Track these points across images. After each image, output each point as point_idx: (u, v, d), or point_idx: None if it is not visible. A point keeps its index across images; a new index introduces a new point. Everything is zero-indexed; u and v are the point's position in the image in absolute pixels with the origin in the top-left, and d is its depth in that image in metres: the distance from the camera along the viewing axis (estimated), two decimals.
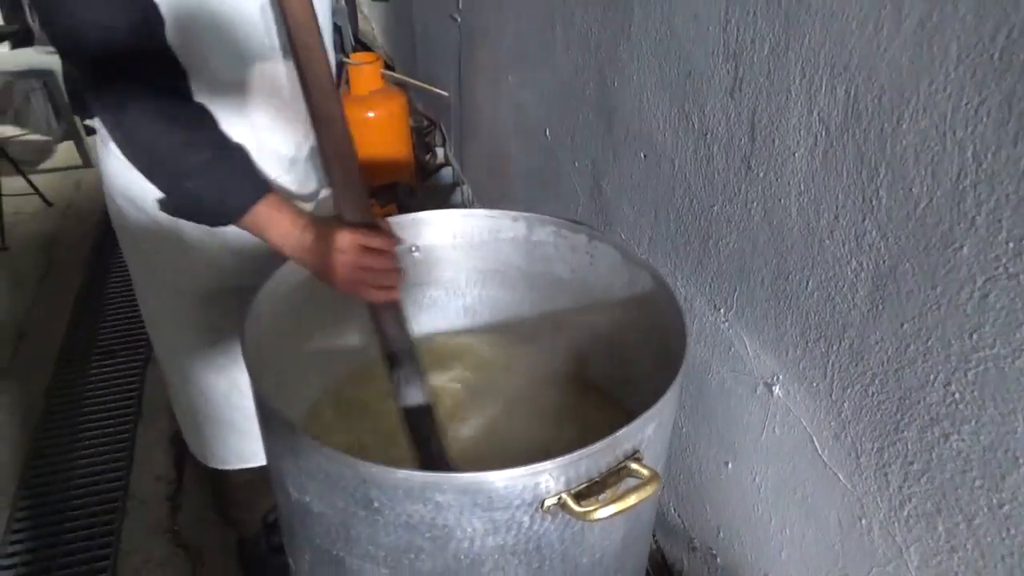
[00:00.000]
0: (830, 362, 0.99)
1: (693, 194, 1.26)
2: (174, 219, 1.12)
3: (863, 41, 0.84)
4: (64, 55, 0.99)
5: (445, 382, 1.24)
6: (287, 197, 1.04)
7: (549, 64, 1.86)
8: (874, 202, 0.85)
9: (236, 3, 1.00)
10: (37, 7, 0.97)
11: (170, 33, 0.97)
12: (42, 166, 3.54)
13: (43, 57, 3.43)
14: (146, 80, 0.96)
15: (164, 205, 1.06)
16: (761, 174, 1.06)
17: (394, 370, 1.01)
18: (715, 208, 1.20)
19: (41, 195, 3.16)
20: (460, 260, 1.27)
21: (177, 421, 1.49)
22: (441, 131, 3.33)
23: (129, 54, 0.93)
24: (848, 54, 0.86)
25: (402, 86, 3.17)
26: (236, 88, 1.07)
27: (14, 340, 2.38)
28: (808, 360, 1.03)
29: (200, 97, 1.03)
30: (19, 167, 3.08)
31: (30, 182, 3.13)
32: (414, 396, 1.01)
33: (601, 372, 1.23)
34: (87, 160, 3.52)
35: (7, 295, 2.60)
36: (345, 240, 0.93)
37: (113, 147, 1.11)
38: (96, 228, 3.00)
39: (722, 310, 1.23)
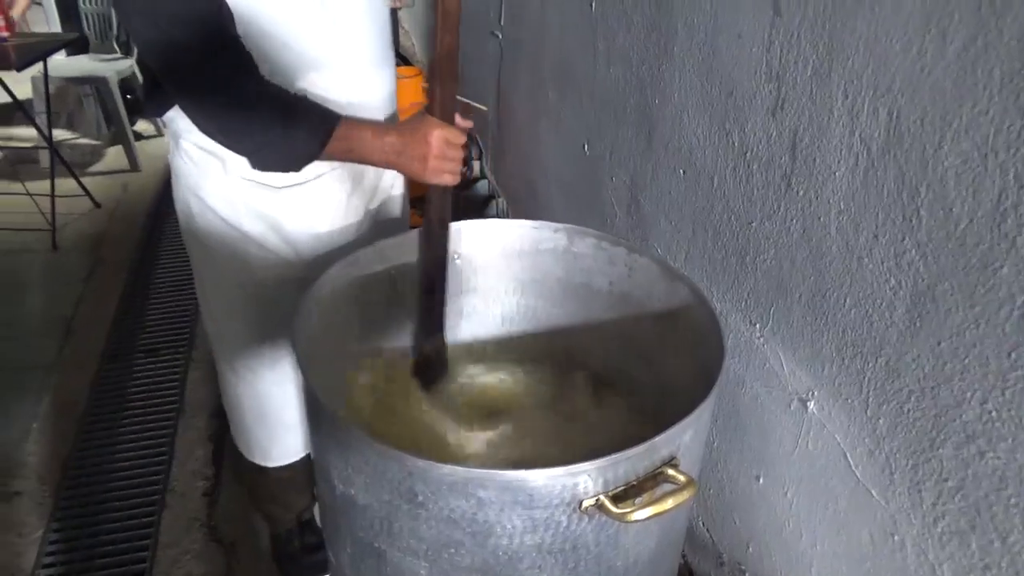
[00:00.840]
0: (866, 379, 1.00)
1: (732, 211, 1.28)
2: (235, 213, 1.18)
3: (906, 64, 0.85)
4: (142, 45, 1.06)
5: (483, 385, 1.27)
6: (357, 118, 1.14)
7: (590, 81, 1.90)
8: (914, 222, 0.87)
9: (290, 14, 1.07)
10: (118, 2, 1.03)
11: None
12: (92, 169, 3.66)
13: (96, 64, 3.56)
14: (218, 53, 1.03)
15: (255, 162, 1.13)
16: (801, 192, 1.08)
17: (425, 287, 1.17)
18: (753, 225, 1.22)
19: (91, 196, 3.27)
20: (501, 269, 1.30)
21: (217, 419, 1.53)
22: (478, 144, 3.38)
23: (204, 41, 1.01)
24: (891, 76, 0.88)
25: None
26: (296, 76, 1.12)
27: (62, 336, 2.47)
28: (844, 376, 1.04)
29: None
30: (71, 169, 3.19)
31: (81, 184, 3.24)
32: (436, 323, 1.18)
33: (637, 382, 1.25)
34: (134, 164, 3.63)
35: (56, 293, 2.69)
36: (438, 135, 1.08)
37: (184, 146, 1.17)
38: (142, 229, 3.10)
39: (758, 325, 1.24)
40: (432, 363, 1.24)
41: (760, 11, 1.13)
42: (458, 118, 1.14)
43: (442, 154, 1.09)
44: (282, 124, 1.06)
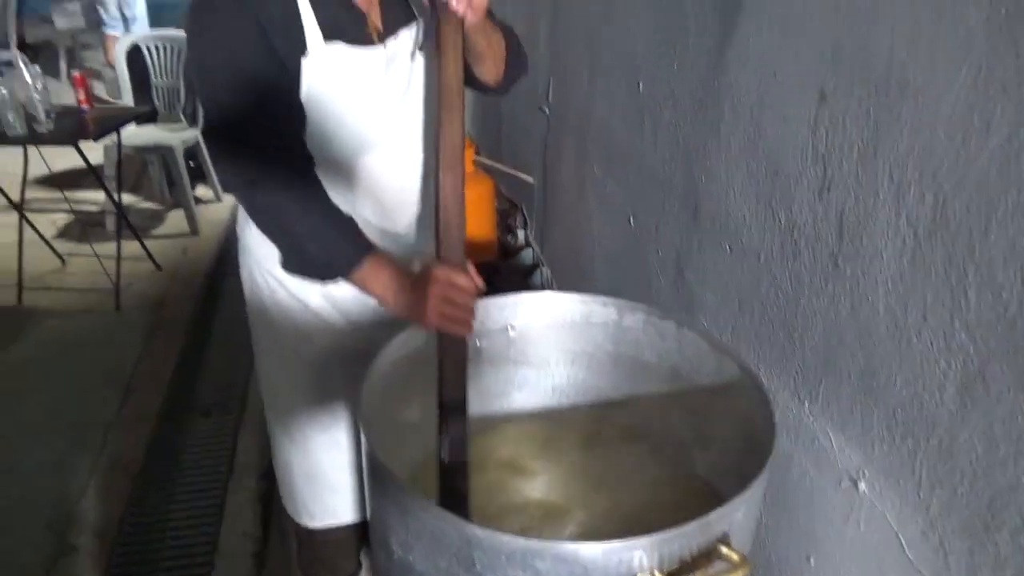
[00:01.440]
0: (918, 459, 1.00)
1: (779, 287, 1.30)
2: (301, 287, 1.25)
3: (951, 152, 0.89)
4: (214, 131, 1.15)
5: (532, 457, 1.29)
6: (389, 257, 1.17)
7: (636, 155, 1.96)
8: (963, 304, 0.88)
9: (357, 104, 1.16)
10: (201, 89, 1.14)
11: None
12: (154, 232, 3.83)
13: (164, 134, 3.77)
14: (278, 160, 1.12)
15: (285, 264, 1.21)
16: (848, 272, 1.10)
17: (444, 418, 1.10)
18: (801, 301, 1.24)
19: (153, 259, 3.42)
20: (552, 341, 1.34)
21: (266, 481, 1.58)
22: (523, 214, 3.47)
23: (270, 137, 1.10)
24: (936, 163, 0.91)
25: (489, 170, 3.33)
26: (349, 173, 1.21)
27: (121, 394, 2.56)
28: (895, 456, 1.04)
29: (320, 178, 1.17)
30: (136, 233, 3.35)
31: (144, 247, 3.39)
32: (456, 451, 1.10)
33: (687, 456, 1.26)
34: (194, 228, 3.79)
35: (117, 352, 2.80)
36: (440, 273, 1.06)
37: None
38: (200, 291, 3.22)
39: (807, 403, 1.25)
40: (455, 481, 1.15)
41: (806, 95, 1.18)
42: (471, 270, 1.10)
43: (445, 297, 1.05)
44: (313, 243, 1.12)
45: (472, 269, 1.11)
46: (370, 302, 1.31)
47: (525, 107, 3.09)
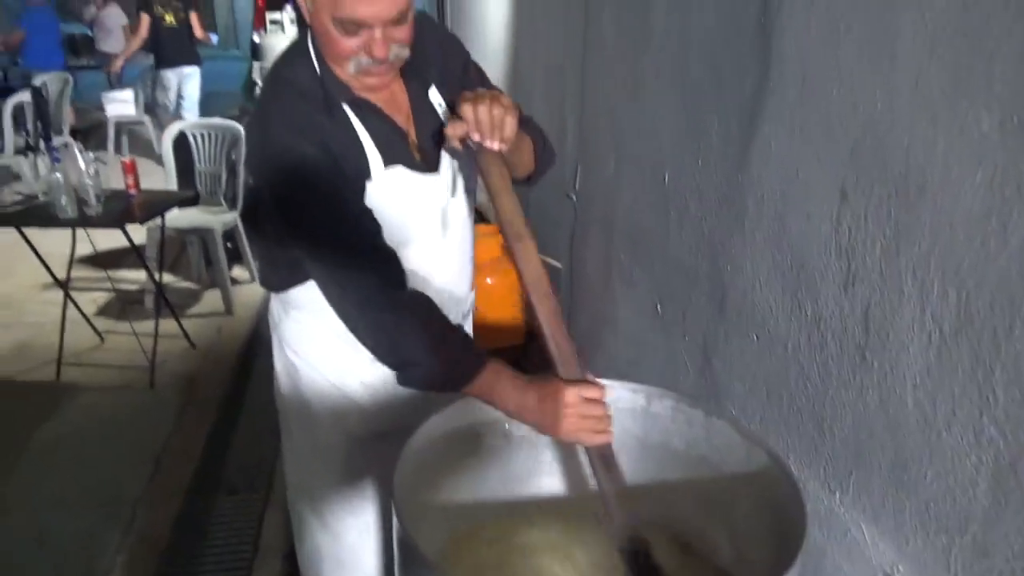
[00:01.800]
0: (952, 555, 0.99)
1: (807, 378, 1.32)
2: (339, 372, 1.29)
3: (971, 251, 0.92)
4: (314, 260, 1.19)
5: (559, 542, 1.29)
6: (503, 365, 1.17)
7: (662, 245, 2.01)
8: (991, 400, 0.90)
9: (414, 219, 1.23)
10: (291, 223, 1.18)
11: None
12: (190, 311, 3.93)
13: (205, 216, 3.91)
14: (376, 271, 1.14)
15: (401, 379, 1.19)
16: (876, 365, 1.12)
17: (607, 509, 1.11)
18: (830, 393, 1.25)
19: (188, 337, 3.50)
20: None
21: (289, 562, 1.58)
22: None
23: (362, 249, 1.15)
24: (958, 262, 0.94)
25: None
26: (421, 265, 1.26)
27: (151, 471, 2.58)
28: (930, 552, 1.03)
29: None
30: (174, 311, 3.45)
31: (181, 325, 3.48)
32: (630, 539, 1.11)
33: (715, 546, 1.25)
34: (229, 308, 3.88)
35: (149, 430, 2.84)
36: (570, 396, 1.06)
37: (296, 315, 1.30)
38: (231, 371, 3.28)
39: (838, 494, 1.24)
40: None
41: (828, 193, 1.22)
42: (589, 376, 1.12)
43: (580, 412, 1.07)
44: (434, 356, 1.12)
45: (591, 376, 1.12)
46: (405, 389, 1.35)
47: (552, 194, 3.18)
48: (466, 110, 1.10)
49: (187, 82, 6.56)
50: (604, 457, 1.11)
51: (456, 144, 1.16)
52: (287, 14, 5.13)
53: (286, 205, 1.16)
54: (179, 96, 6.59)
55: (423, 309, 1.16)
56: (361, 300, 1.14)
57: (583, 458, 1.13)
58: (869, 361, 1.14)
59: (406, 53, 1.16)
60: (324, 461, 1.40)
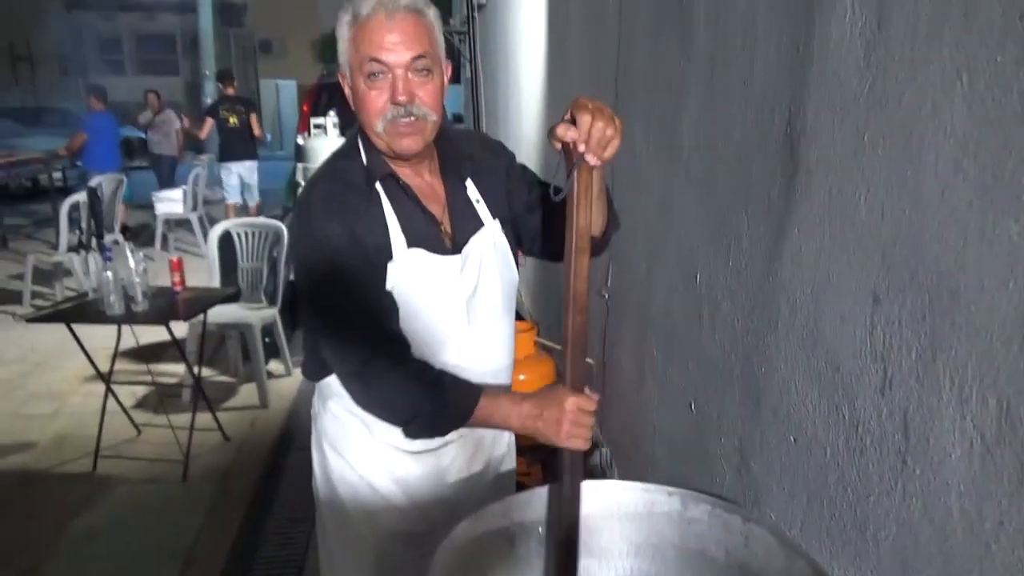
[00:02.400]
0: None
1: (847, 483, 1.29)
2: (369, 468, 1.31)
3: (1009, 359, 0.92)
4: (319, 325, 1.28)
5: None
6: (498, 388, 1.27)
7: (695, 344, 2.01)
8: None
9: (435, 302, 1.28)
10: (305, 287, 1.27)
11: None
12: (225, 404, 3.98)
13: (245, 312, 4.02)
14: (381, 343, 1.22)
15: (407, 433, 1.27)
16: (918, 471, 1.10)
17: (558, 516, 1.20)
18: (871, 499, 1.22)
19: (222, 431, 3.53)
20: (615, 531, 1.33)
21: None
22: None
23: (373, 326, 1.22)
24: (996, 369, 0.94)
25: (550, 352, 3.42)
26: (438, 352, 1.30)
27: (181, 565, 2.57)
28: None
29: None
30: (210, 405, 3.50)
31: (216, 419, 3.52)
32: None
33: None
34: (264, 401, 3.93)
35: (180, 523, 2.84)
36: (571, 402, 1.18)
37: (332, 408, 1.34)
38: (264, 465, 3.29)
39: None
40: None
41: (860, 297, 1.24)
42: (587, 389, 1.24)
43: (576, 420, 1.19)
44: (432, 401, 1.21)
45: (587, 389, 1.23)
46: (438, 487, 1.36)
47: None
48: (583, 118, 1.10)
49: (249, 174, 7.76)
50: (574, 462, 1.21)
51: (557, 146, 1.16)
52: (330, 119, 5.41)
53: (305, 278, 1.26)
54: (243, 184, 7.71)
55: (414, 364, 1.23)
56: (361, 367, 1.21)
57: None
58: (911, 467, 1.12)
59: (433, 116, 1.23)
60: (356, 559, 1.39)
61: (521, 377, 2.93)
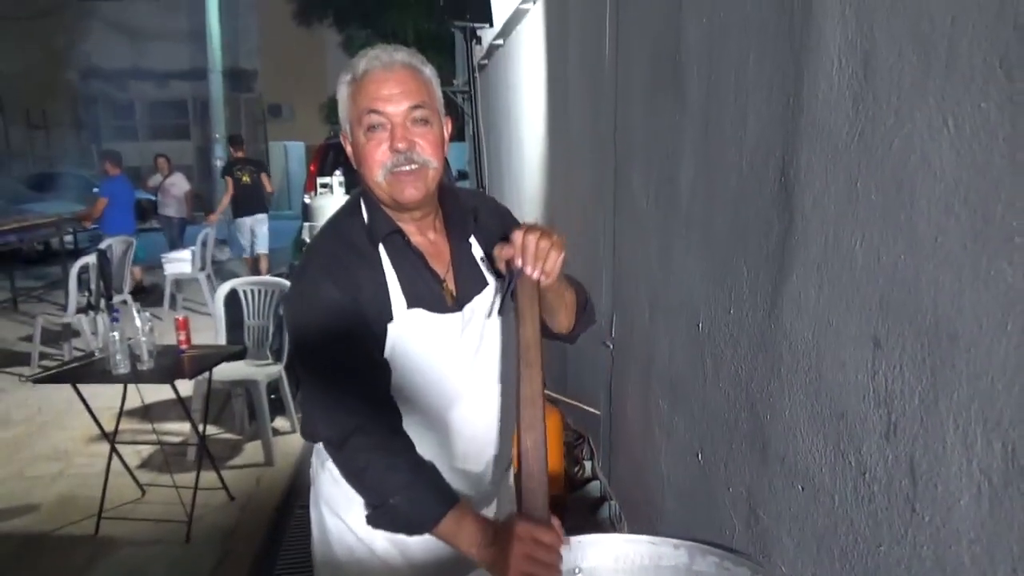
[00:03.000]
0: None
1: (857, 531, 1.27)
2: (368, 531, 1.28)
3: (1011, 401, 0.91)
4: (309, 389, 1.26)
5: None
6: (471, 508, 1.20)
7: (700, 393, 2.00)
8: None
9: (436, 362, 1.27)
10: (298, 350, 1.27)
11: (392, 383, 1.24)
12: (230, 462, 3.95)
13: (251, 369, 4.02)
14: (370, 418, 1.21)
15: (369, 519, 1.23)
16: (927, 518, 1.08)
17: None
18: (882, 548, 1.20)
19: (227, 489, 3.49)
20: None
21: None
22: (590, 445, 3.46)
23: (362, 395, 1.20)
24: (999, 411, 0.93)
25: (555, 403, 3.40)
26: (431, 422, 1.29)
27: None
28: None
29: (405, 427, 1.25)
30: (215, 464, 3.47)
31: (220, 478, 3.49)
32: None
33: None
34: (270, 459, 3.89)
35: None
36: (523, 530, 1.05)
37: (329, 466, 1.32)
38: (269, 523, 3.24)
39: None
40: None
41: (861, 342, 1.24)
42: (555, 521, 1.09)
43: (528, 556, 1.04)
44: (403, 500, 1.16)
45: (556, 523, 1.09)
46: (435, 549, 1.33)
47: (589, 342, 3.22)
48: (516, 235, 1.16)
49: (260, 226, 8.42)
50: None
51: (500, 266, 1.22)
52: (336, 178, 5.50)
53: (299, 340, 1.26)
54: (253, 237, 8.38)
55: (399, 450, 1.20)
56: (345, 437, 1.19)
57: None
58: (920, 514, 1.10)
59: (433, 163, 1.24)
60: None
61: None
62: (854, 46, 1.24)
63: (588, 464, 3.44)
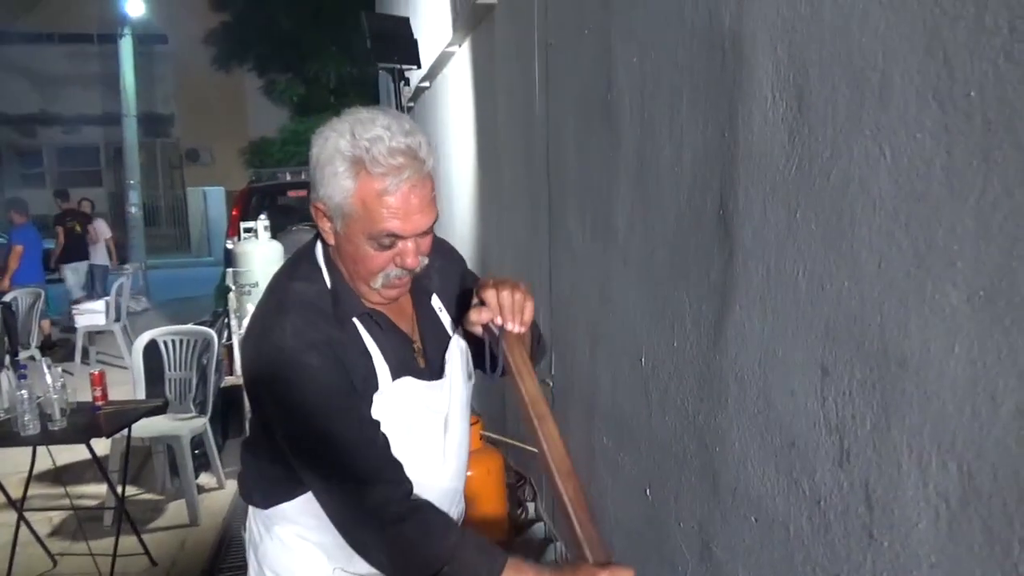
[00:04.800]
0: None
1: (815, 562, 1.26)
2: None
3: (963, 423, 0.92)
4: (328, 481, 1.15)
5: None
6: (523, 559, 1.14)
7: (645, 427, 1.99)
8: None
9: (423, 429, 1.23)
10: (301, 441, 1.15)
11: None
12: (152, 524, 3.71)
13: (173, 424, 3.81)
14: (387, 485, 1.12)
15: None
16: (886, 544, 1.08)
17: None
18: None
19: (149, 555, 3.27)
20: None
21: None
22: (532, 486, 3.41)
23: (371, 467, 1.12)
24: (952, 434, 0.94)
25: (497, 445, 3.34)
26: (423, 467, 1.22)
27: None
28: None
29: None
30: (135, 528, 3.25)
31: (142, 542, 3.27)
32: None
33: None
34: (195, 519, 3.68)
35: None
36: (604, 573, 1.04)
37: (280, 533, 1.25)
38: None
39: None
40: None
41: (808, 370, 1.25)
42: (615, 561, 1.09)
43: None
44: (457, 562, 1.08)
45: (620, 564, 1.09)
46: None
47: None
48: (490, 295, 1.14)
49: (83, 269, 9.04)
50: None
51: (478, 330, 1.17)
52: (261, 222, 5.35)
53: (294, 422, 1.13)
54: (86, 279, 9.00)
55: (437, 517, 1.13)
56: (376, 516, 1.09)
57: None
58: (878, 540, 1.10)
59: (427, 261, 1.18)
60: None
61: (469, 473, 2.83)
62: (787, 81, 1.27)
63: (531, 506, 3.38)
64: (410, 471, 1.17)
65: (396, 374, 1.18)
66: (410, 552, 1.10)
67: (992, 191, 0.87)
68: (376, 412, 1.16)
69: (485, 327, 1.16)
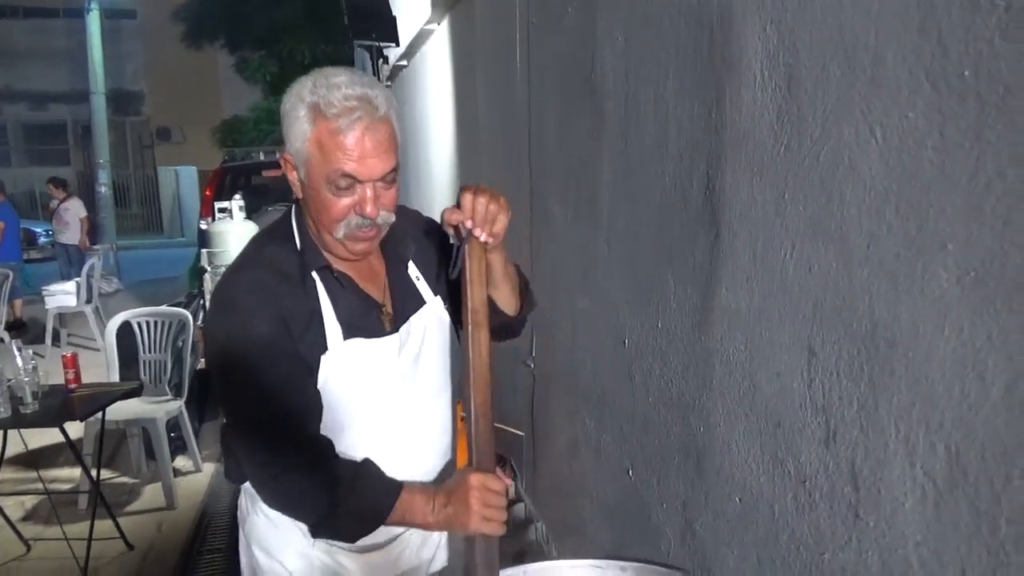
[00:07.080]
0: None
1: (799, 541, 1.27)
2: (308, 572, 1.20)
3: (952, 404, 0.93)
4: (237, 427, 1.18)
5: None
6: (417, 485, 1.20)
7: (628, 409, 2.00)
8: (1002, 557, 0.87)
9: (371, 388, 1.22)
10: (223, 386, 1.18)
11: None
12: (128, 508, 3.67)
13: (147, 407, 3.76)
14: (297, 455, 1.14)
15: (316, 532, 1.19)
16: (872, 523, 1.09)
17: None
18: (826, 556, 1.20)
19: (125, 538, 3.23)
20: None
21: None
22: (512, 467, 3.42)
23: (293, 430, 1.14)
24: (940, 414, 0.95)
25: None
26: (369, 445, 1.23)
27: None
28: None
29: (345, 451, 1.19)
30: (111, 511, 3.21)
31: (117, 525, 3.23)
32: None
33: None
34: (171, 502, 3.64)
35: None
36: (477, 480, 1.12)
37: (261, 506, 1.23)
38: (173, 573, 3.01)
39: None
40: None
41: (795, 351, 1.25)
42: (499, 471, 1.18)
43: (484, 499, 1.12)
44: (351, 508, 1.14)
45: (499, 471, 1.17)
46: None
47: (508, 362, 3.18)
48: (466, 198, 1.13)
49: None
50: (490, 551, 1.14)
51: (450, 231, 1.18)
52: (236, 202, 5.27)
53: (225, 377, 1.18)
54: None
55: (335, 467, 1.16)
56: (277, 472, 1.15)
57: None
58: (864, 519, 1.11)
59: (392, 219, 1.19)
60: None
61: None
62: (776, 60, 1.26)
63: (511, 486, 3.39)
64: (367, 437, 1.17)
65: (348, 334, 1.19)
66: (297, 503, 1.17)
67: (984, 172, 0.87)
68: (324, 375, 1.17)
69: (455, 228, 1.17)
